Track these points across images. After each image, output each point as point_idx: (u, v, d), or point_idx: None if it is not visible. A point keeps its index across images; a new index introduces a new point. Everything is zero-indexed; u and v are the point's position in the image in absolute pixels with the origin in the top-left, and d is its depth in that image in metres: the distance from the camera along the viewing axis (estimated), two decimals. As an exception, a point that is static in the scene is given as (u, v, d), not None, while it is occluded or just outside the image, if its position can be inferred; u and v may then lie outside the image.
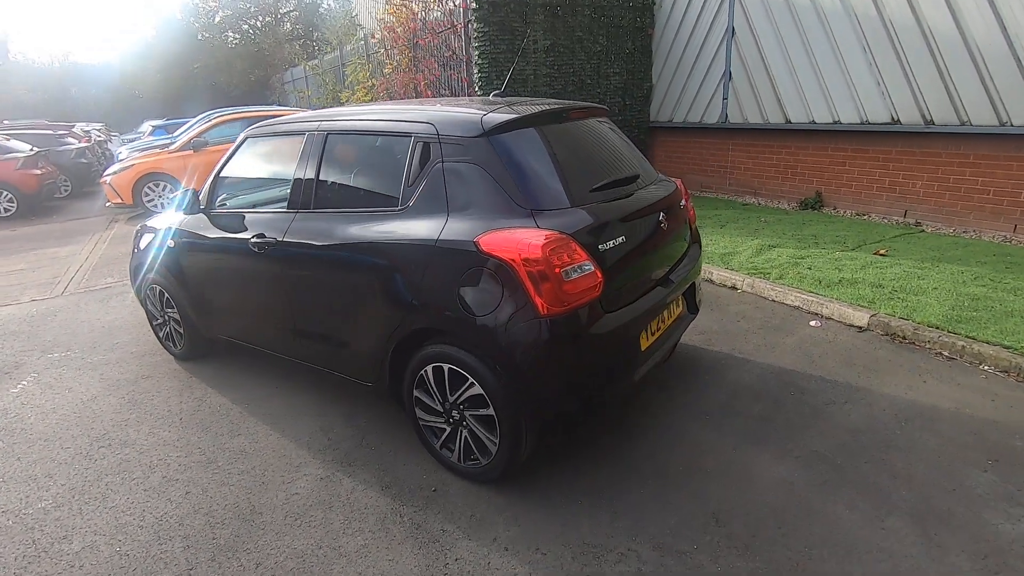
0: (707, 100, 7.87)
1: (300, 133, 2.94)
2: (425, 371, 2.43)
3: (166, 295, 3.75)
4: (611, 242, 2.28)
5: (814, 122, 6.66)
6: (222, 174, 3.35)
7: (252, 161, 3.29)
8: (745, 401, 3.01)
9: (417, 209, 2.41)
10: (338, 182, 2.78)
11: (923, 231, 5.70)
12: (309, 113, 3.11)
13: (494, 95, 2.91)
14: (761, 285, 4.45)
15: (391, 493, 2.46)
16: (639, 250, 2.49)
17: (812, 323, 3.91)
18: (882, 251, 4.99)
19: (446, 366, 2.34)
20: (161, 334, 4.03)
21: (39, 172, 10.95)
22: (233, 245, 3.11)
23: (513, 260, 2.08)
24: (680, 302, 2.91)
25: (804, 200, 6.98)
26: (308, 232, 2.75)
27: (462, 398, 2.36)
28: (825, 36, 6.33)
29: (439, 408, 2.46)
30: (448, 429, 2.48)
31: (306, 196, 2.81)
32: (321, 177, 2.78)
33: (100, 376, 3.80)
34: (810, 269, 4.64)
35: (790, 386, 3.13)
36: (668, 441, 2.71)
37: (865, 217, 6.35)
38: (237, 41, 27.79)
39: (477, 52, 7.24)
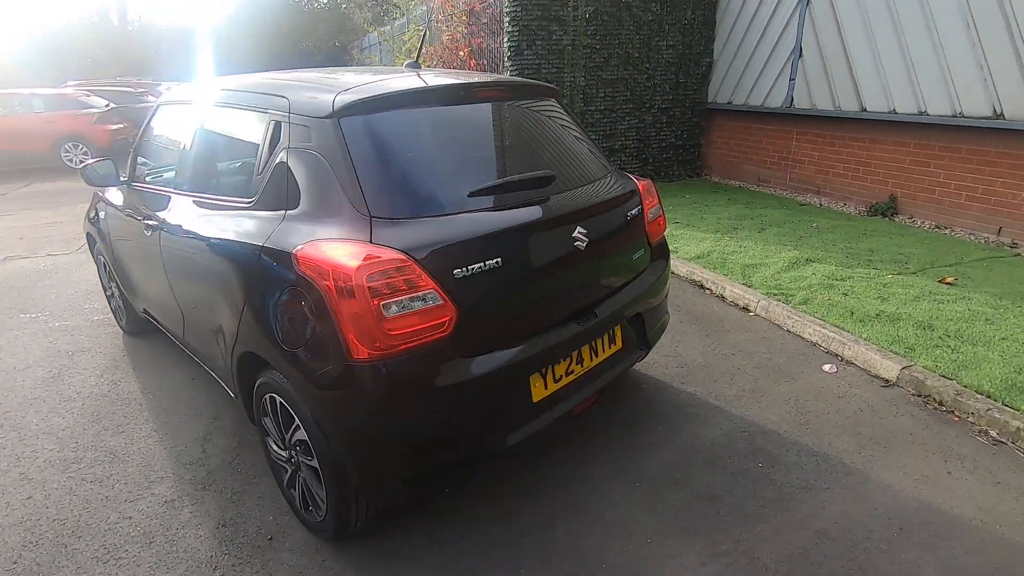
0: (772, 80, 6.81)
1: (189, 103, 2.57)
2: (266, 398, 2.03)
3: (108, 267, 3.59)
4: (478, 265, 1.72)
5: (895, 112, 5.52)
6: (139, 144, 3.07)
7: (160, 131, 2.98)
8: (696, 467, 2.38)
9: (262, 204, 1.97)
10: (206, 163, 2.40)
11: (1018, 255, 4.56)
12: (210, 81, 2.74)
13: (407, 65, 2.38)
14: (777, 310, 3.66)
15: (222, 535, 2.10)
16: (534, 274, 1.92)
17: (826, 367, 3.13)
18: (949, 279, 4.00)
19: (278, 399, 1.92)
20: (112, 306, 3.92)
21: (113, 127, 11.55)
22: (134, 222, 2.84)
23: (324, 283, 1.60)
24: (617, 336, 2.31)
25: (874, 204, 5.88)
26: (180, 217, 2.40)
27: (293, 439, 1.94)
28: (919, 8, 5.15)
29: (283, 443, 2.06)
30: (290, 470, 2.07)
31: (184, 176, 2.46)
32: (196, 156, 2.41)
33: (48, 344, 3.73)
34: (846, 295, 3.78)
35: (761, 454, 2.45)
36: (573, 513, 2.16)
37: (946, 231, 5.22)
38: (324, 5, 28.33)
39: (508, 18, 6.61)
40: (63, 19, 36.05)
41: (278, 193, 1.89)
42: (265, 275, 1.81)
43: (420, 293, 1.61)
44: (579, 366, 2.13)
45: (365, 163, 1.75)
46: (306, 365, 1.69)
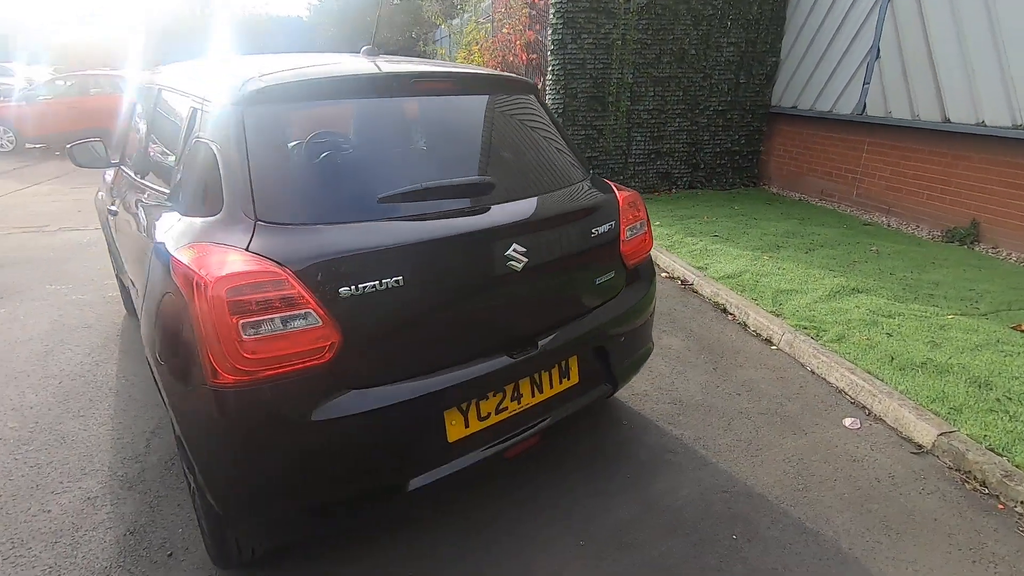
0: (843, 84, 6.11)
1: (152, 86, 2.48)
2: None
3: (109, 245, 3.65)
4: (371, 284, 1.48)
5: (984, 124, 4.78)
6: (124, 126, 3.04)
7: (135, 116, 2.93)
8: (656, 530, 2.04)
9: (173, 197, 1.82)
10: (147, 149, 2.29)
11: (1125, 303, 3.80)
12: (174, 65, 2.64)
13: (364, 50, 2.16)
14: (803, 346, 3.19)
15: (126, 544, 1.99)
16: (448, 298, 1.65)
17: (847, 422, 2.66)
18: (1026, 326, 3.36)
19: None
20: (119, 285, 4.00)
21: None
22: (106, 204, 2.81)
23: (187, 293, 1.42)
24: (572, 370, 2.00)
25: (951, 229, 5.14)
26: (127, 203, 2.32)
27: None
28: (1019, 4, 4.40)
29: None
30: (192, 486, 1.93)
31: (135, 162, 2.38)
32: (143, 141, 2.32)
33: (57, 317, 3.84)
34: (890, 335, 3.24)
35: (739, 522, 2.07)
36: (499, 570, 1.89)
37: (1036, 267, 4.46)
38: (402, -2, 28.86)
39: (554, 9, 6.29)
40: (171, 6, 38.84)
41: (183, 187, 1.74)
42: (154, 276, 1.66)
43: (294, 313, 1.40)
44: (515, 403, 1.85)
45: (262, 159, 1.55)
46: (173, 383, 1.52)
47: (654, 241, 5.01)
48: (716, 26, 6.66)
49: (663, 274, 4.54)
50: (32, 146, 11.53)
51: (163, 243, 1.63)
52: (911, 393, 2.70)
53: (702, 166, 7.24)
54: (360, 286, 1.46)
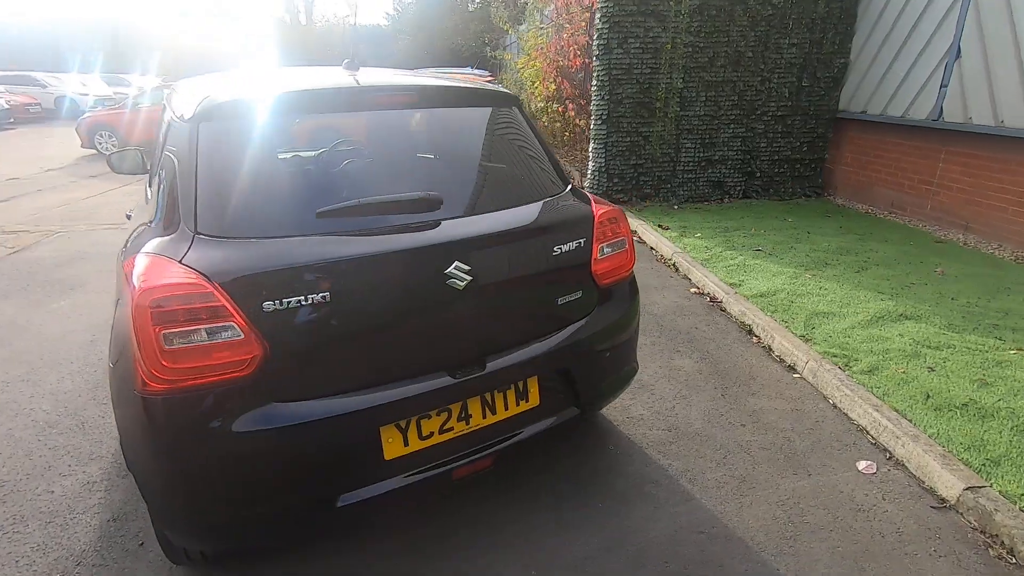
0: (918, 86, 5.57)
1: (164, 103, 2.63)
2: None
3: None
4: (297, 299, 1.49)
5: (1080, 132, 4.18)
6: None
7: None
8: (615, 568, 1.91)
9: (151, 206, 1.92)
10: (152, 159, 2.42)
11: None
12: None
13: (344, 64, 2.19)
14: (828, 376, 2.91)
15: (107, 530, 2.11)
16: (382, 315, 1.63)
17: (861, 464, 2.40)
18: (1106, 368, 2.89)
19: None
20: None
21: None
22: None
23: (129, 304, 1.48)
24: (532, 392, 1.92)
25: (1038, 251, 4.54)
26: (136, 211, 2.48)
27: None
28: None
29: None
30: None
31: (150, 173, 2.53)
32: (156, 155, 2.46)
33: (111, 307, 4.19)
34: (931, 370, 2.90)
35: (709, 567, 1.91)
36: (442, 591, 1.84)
37: None
38: (478, 5, 29.41)
39: (599, 13, 6.16)
40: (262, 17, 41.67)
41: (153, 197, 1.83)
42: (116, 283, 1.75)
43: (216, 325, 1.42)
44: (463, 423, 1.80)
45: (209, 173, 1.60)
46: (117, 387, 1.60)
47: (689, 254, 4.79)
48: (776, 27, 6.27)
49: (692, 290, 4.32)
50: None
51: (122, 251, 1.72)
52: (942, 438, 2.40)
53: (758, 175, 6.83)
54: (285, 301, 1.47)
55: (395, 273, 1.62)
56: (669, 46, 6.20)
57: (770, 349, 3.38)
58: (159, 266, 1.47)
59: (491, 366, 1.78)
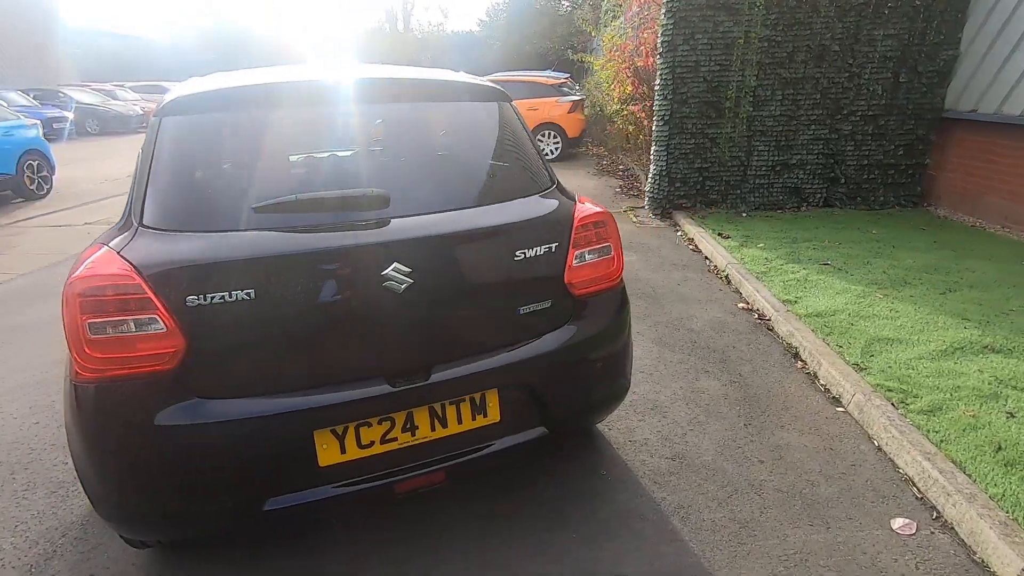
0: (1042, 80, 4.75)
1: None
2: None
3: None
4: (220, 295, 1.45)
5: None
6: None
7: None
8: (573, 609, 1.73)
9: None
10: None
11: None
12: None
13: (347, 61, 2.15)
14: (876, 413, 2.50)
15: (90, 514, 2.19)
16: (310, 316, 1.55)
17: (897, 523, 2.01)
18: None
19: None
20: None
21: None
22: None
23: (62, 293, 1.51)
24: (492, 407, 1.77)
25: None
26: None
27: None
28: None
29: None
30: None
31: None
32: None
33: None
34: (1012, 416, 2.41)
35: (678, 625, 1.66)
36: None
37: None
38: (568, 9, 29.33)
39: (664, 8, 5.83)
40: (365, 26, 44.14)
41: None
42: None
43: (139, 317, 1.42)
44: (408, 434, 1.69)
45: (161, 166, 1.61)
46: (65, 373, 1.64)
47: (744, 265, 4.38)
48: (869, 16, 5.62)
49: (740, 305, 3.93)
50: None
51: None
52: (1007, 501, 1.96)
53: (843, 181, 6.17)
54: (208, 296, 1.45)
55: (326, 273, 1.55)
56: (742, 41, 5.75)
57: (815, 376, 2.98)
58: (97, 257, 1.49)
59: (437, 376, 1.66)
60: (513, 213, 1.80)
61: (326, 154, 1.86)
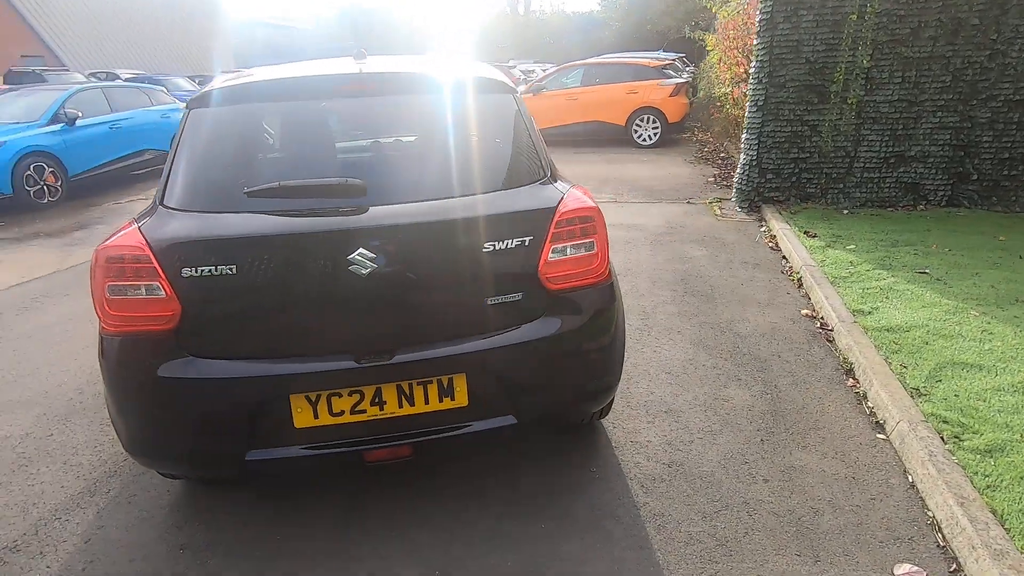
0: None
1: None
2: None
3: None
4: (208, 268, 1.64)
5: None
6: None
7: None
8: (520, 595, 1.76)
9: None
10: None
11: None
12: None
13: (355, 53, 2.28)
14: (918, 447, 2.21)
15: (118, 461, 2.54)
16: (282, 292, 1.70)
17: (901, 570, 1.79)
18: None
19: None
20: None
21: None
22: None
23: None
24: (460, 392, 1.84)
25: None
26: None
27: None
28: None
29: None
30: None
31: None
32: None
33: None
34: (1093, 469, 2.01)
35: (617, 631, 1.64)
36: None
37: None
38: (688, -12, 27.77)
39: (766, -13, 5.34)
40: (491, 11, 44.89)
41: None
42: None
43: (145, 283, 1.66)
44: (376, 408, 1.81)
45: (181, 153, 1.85)
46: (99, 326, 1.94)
47: (822, 268, 3.98)
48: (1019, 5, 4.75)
49: (804, 311, 3.60)
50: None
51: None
52: (1047, 566, 1.67)
53: (975, 177, 5.34)
54: (199, 269, 1.65)
55: (298, 254, 1.70)
56: (854, 16, 5.13)
57: (863, 397, 2.68)
58: (124, 231, 1.76)
59: (400, 357, 1.76)
60: (490, 205, 1.83)
61: (321, 144, 2.01)
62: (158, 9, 27.89)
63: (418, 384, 1.82)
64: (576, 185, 2.06)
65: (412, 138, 2.04)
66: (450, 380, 1.84)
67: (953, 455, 2.15)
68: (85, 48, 24.90)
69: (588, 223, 1.89)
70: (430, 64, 2.18)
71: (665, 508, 2.08)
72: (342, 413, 1.81)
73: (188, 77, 19.22)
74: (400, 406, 1.83)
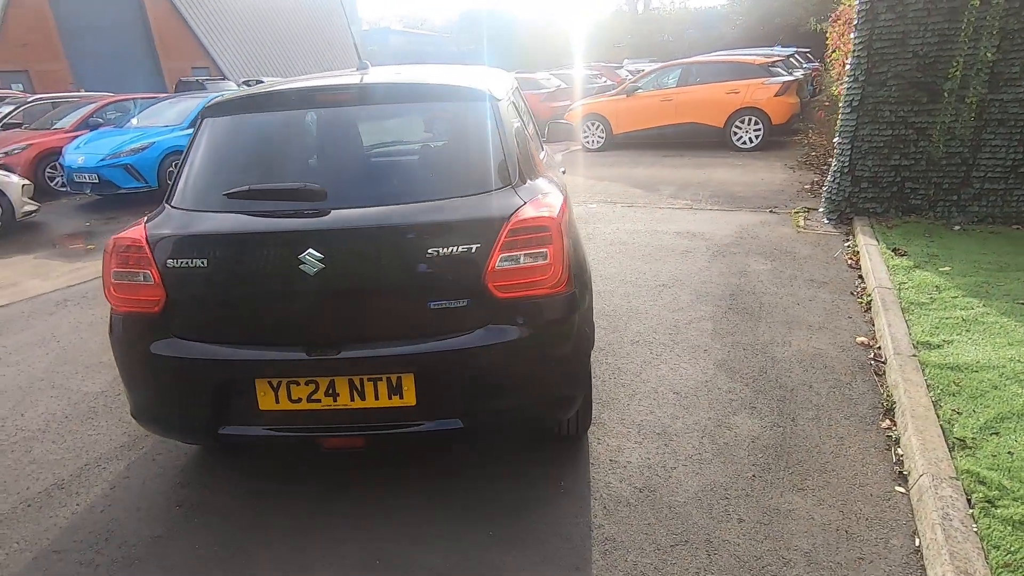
0: None
1: None
2: None
3: None
4: (184, 261, 1.84)
5: None
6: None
7: None
8: (445, 598, 1.79)
9: None
10: None
11: None
12: None
13: (358, 67, 2.41)
14: (933, 505, 1.89)
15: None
16: (243, 286, 1.87)
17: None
18: None
19: None
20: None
21: (555, 105, 13.99)
22: None
23: None
24: (407, 391, 1.89)
25: None
26: None
27: None
28: None
29: None
30: None
31: None
32: None
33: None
34: None
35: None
36: None
37: None
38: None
39: (868, -28, 4.77)
40: (607, 9, 44.32)
41: None
42: None
43: (136, 271, 1.91)
44: (330, 399, 1.92)
45: (188, 157, 2.09)
46: None
47: (898, 291, 3.51)
48: None
49: (859, 339, 3.20)
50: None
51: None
52: (1046, 672, 1.37)
53: None
54: (179, 261, 1.87)
55: (258, 251, 1.85)
56: (977, 2, 4.42)
57: (895, 443, 2.34)
58: (135, 225, 2.03)
59: (346, 353, 1.85)
60: (440, 211, 1.86)
61: (304, 150, 2.15)
62: (299, 19, 30.98)
63: (368, 380, 1.91)
64: (541, 194, 2.03)
65: (384, 146, 2.14)
66: (399, 379, 1.91)
67: (976, 522, 1.82)
68: (240, 59, 28.32)
69: (542, 233, 1.86)
70: (420, 74, 2.26)
71: (619, 534, 1.98)
72: (300, 400, 1.94)
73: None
74: (352, 399, 1.93)
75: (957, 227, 4.79)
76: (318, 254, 1.79)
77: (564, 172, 3.72)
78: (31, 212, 6.80)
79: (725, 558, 1.86)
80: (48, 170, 9.06)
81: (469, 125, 2.08)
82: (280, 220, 1.88)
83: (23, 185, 6.74)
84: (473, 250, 1.82)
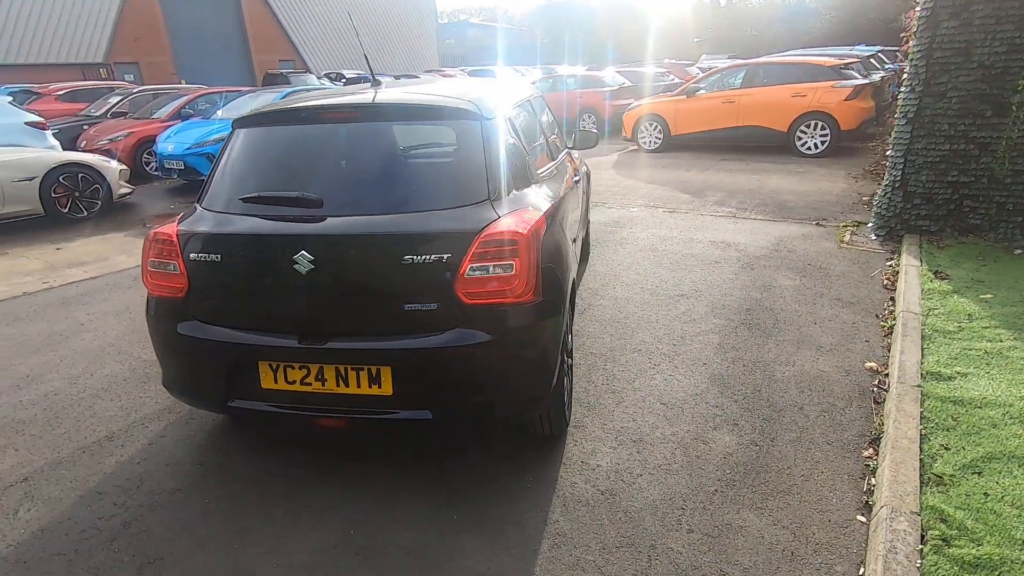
0: None
1: None
2: None
3: None
4: (203, 255, 2.14)
5: None
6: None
7: None
8: (338, 561, 2.00)
9: None
10: None
11: None
12: None
13: (371, 84, 2.63)
14: (884, 539, 1.89)
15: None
16: (248, 280, 2.14)
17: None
18: None
19: None
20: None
21: (618, 103, 13.89)
22: None
23: None
24: (385, 381, 2.11)
25: None
26: None
27: None
28: None
29: None
30: None
31: None
32: None
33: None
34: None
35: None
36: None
37: None
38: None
39: (933, -25, 4.49)
40: (689, 2, 42.88)
41: None
42: None
43: (168, 262, 2.23)
44: (319, 383, 2.18)
45: (218, 163, 2.40)
46: None
47: (926, 317, 3.37)
48: None
49: (868, 364, 3.11)
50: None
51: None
52: None
53: None
54: (199, 255, 2.17)
55: (260, 250, 2.12)
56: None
57: (871, 472, 2.32)
58: (171, 221, 2.36)
59: (332, 345, 2.09)
60: (419, 223, 2.05)
61: (316, 160, 2.39)
62: (379, 15, 32.21)
63: (352, 369, 2.14)
64: (522, 208, 2.18)
65: (380, 159, 2.35)
66: (378, 371, 2.13)
67: (922, 558, 1.82)
68: (324, 52, 29.84)
69: (510, 246, 2.01)
70: (421, 94, 2.45)
71: (571, 530, 2.12)
72: (294, 383, 2.21)
73: (393, 77, 21.98)
74: (338, 385, 2.17)
75: (1019, 251, 4.46)
76: (309, 255, 2.03)
77: (579, 179, 3.80)
78: (126, 194, 7.64)
79: (664, 564, 1.95)
80: (145, 156, 10.06)
81: (456, 142, 2.25)
82: (282, 224, 2.14)
83: (120, 170, 7.58)
84: (445, 259, 2.00)
